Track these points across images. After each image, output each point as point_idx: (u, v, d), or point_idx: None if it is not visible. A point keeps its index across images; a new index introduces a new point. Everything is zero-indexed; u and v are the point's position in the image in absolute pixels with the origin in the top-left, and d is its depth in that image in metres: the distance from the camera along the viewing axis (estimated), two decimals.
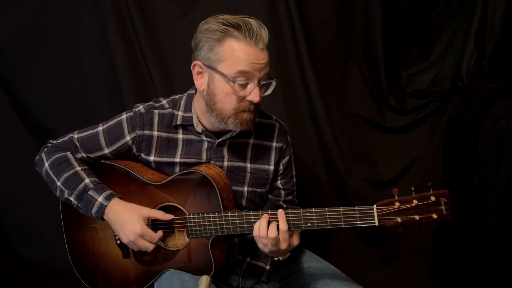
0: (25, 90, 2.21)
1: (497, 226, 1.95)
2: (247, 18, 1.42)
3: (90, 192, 1.49)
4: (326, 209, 1.37)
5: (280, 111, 2.24)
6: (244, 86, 1.42)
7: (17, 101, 2.25)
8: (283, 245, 1.41)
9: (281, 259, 1.54)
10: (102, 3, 2.14)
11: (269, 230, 1.39)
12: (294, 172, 1.72)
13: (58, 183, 1.52)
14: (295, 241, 1.45)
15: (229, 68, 1.40)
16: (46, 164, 1.55)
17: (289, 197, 1.70)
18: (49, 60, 2.19)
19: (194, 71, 1.48)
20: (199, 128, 1.55)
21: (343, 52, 2.45)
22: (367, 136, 2.48)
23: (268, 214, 1.41)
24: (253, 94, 1.42)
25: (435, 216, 1.32)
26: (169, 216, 1.49)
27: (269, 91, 1.49)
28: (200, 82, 1.48)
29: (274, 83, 1.48)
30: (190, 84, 1.55)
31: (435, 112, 2.46)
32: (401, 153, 2.48)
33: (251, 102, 1.44)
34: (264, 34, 1.41)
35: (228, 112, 1.45)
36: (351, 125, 2.45)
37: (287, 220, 1.40)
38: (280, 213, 1.40)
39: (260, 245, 1.43)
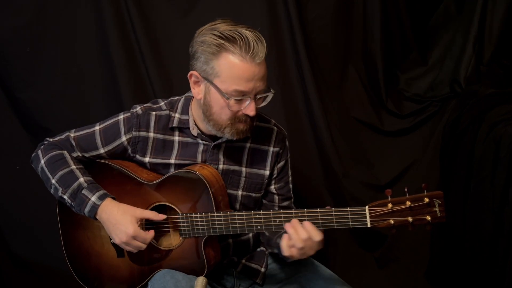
0: (22, 89, 2.21)
1: (493, 231, 1.95)
2: (245, 30, 1.38)
3: (83, 191, 1.48)
4: (318, 210, 1.37)
5: (278, 113, 2.24)
6: (240, 101, 1.41)
7: (14, 100, 2.25)
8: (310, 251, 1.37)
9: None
10: (101, 2, 2.14)
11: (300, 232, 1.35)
12: (290, 178, 1.69)
13: (53, 181, 1.52)
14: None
15: (224, 84, 1.39)
16: (42, 161, 1.55)
17: (285, 203, 1.67)
18: (47, 59, 2.20)
19: (191, 80, 1.48)
20: (194, 132, 1.55)
21: (342, 55, 2.45)
22: (365, 140, 2.48)
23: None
24: (249, 108, 1.42)
25: (428, 218, 1.31)
26: (162, 216, 1.49)
27: (265, 102, 1.47)
28: (197, 91, 1.48)
29: (271, 95, 1.46)
30: (188, 85, 1.54)
31: (433, 116, 2.46)
32: (398, 156, 2.47)
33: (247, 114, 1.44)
34: (261, 48, 1.37)
35: (225, 123, 1.45)
36: (349, 128, 2.45)
37: (279, 221, 1.40)
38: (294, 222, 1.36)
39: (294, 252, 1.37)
